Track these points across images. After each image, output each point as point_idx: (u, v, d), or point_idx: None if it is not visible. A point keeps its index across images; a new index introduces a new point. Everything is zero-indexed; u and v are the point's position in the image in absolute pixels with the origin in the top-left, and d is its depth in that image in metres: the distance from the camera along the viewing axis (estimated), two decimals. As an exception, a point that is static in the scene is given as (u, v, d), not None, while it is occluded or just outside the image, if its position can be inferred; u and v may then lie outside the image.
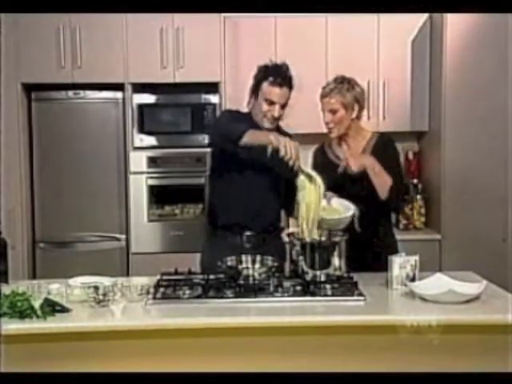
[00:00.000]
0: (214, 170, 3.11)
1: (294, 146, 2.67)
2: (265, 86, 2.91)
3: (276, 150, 2.83)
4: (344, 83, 2.96)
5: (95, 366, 2.29)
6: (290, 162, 2.66)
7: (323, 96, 2.98)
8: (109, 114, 4.49)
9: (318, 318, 2.36)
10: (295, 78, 2.96)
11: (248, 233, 2.96)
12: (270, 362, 2.33)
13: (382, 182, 2.90)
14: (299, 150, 2.67)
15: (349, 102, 2.95)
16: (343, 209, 2.81)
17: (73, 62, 4.37)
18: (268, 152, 3.00)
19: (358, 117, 3.02)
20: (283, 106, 2.94)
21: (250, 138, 2.75)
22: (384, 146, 3.02)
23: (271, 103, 2.91)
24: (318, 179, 2.72)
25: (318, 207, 2.72)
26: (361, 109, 3.00)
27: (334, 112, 2.96)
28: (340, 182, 2.94)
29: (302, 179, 2.72)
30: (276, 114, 2.92)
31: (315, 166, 3.12)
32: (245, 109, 3.08)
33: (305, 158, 3.20)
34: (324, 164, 3.07)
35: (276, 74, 2.91)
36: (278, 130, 3.06)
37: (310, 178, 2.72)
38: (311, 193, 2.71)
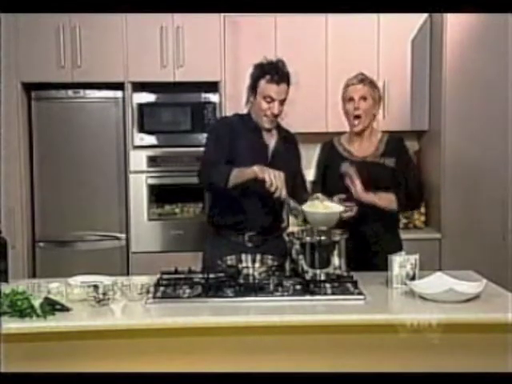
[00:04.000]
0: None
1: (278, 175, 2.69)
2: (262, 83, 2.91)
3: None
4: (371, 78, 3.04)
5: (95, 365, 2.30)
6: (276, 193, 2.69)
7: (353, 84, 3.00)
8: (109, 113, 4.48)
9: (318, 317, 2.37)
10: (292, 74, 2.96)
11: (250, 232, 2.96)
12: (270, 361, 2.33)
13: (388, 203, 2.95)
14: (283, 180, 2.71)
15: (376, 95, 3.02)
16: (331, 206, 2.80)
17: (73, 62, 4.36)
18: (269, 152, 3.00)
19: (375, 115, 3.07)
20: (282, 103, 2.94)
21: (235, 179, 2.79)
22: (396, 147, 3.07)
23: (270, 101, 2.91)
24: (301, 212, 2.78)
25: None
26: (379, 108, 3.08)
27: (364, 99, 2.99)
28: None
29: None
30: (275, 111, 2.92)
31: (321, 159, 3.13)
32: (244, 109, 3.07)
33: (306, 157, 3.23)
34: (332, 156, 3.10)
35: (272, 71, 2.90)
36: (279, 128, 3.06)
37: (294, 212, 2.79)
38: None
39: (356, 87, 2.99)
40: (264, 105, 2.92)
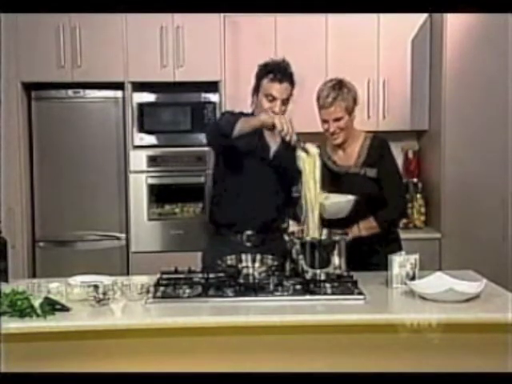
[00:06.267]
0: (216, 169, 3.11)
1: (286, 119, 2.67)
2: (265, 82, 2.90)
3: (278, 150, 2.84)
4: (343, 88, 2.92)
5: (95, 365, 2.29)
6: (287, 137, 2.65)
7: (326, 106, 2.90)
8: (109, 112, 4.49)
9: (318, 317, 2.37)
10: (296, 75, 2.94)
11: (249, 232, 2.96)
12: (270, 361, 2.33)
13: (372, 228, 2.93)
14: (293, 124, 2.67)
15: (350, 105, 2.93)
16: (342, 197, 2.82)
17: (73, 61, 4.36)
18: (271, 153, 3.00)
19: (353, 120, 2.99)
20: (285, 103, 2.92)
21: (242, 125, 2.72)
22: (379, 150, 3.00)
23: (272, 99, 2.89)
24: (313, 150, 2.72)
25: (317, 176, 2.72)
26: (356, 107, 2.98)
27: (338, 120, 2.91)
28: (333, 184, 2.93)
29: (300, 155, 2.72)
30: (277, 110, 2.88)
31: None
32: (246, 109, 3.07)
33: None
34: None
35: (276, 70, 2.90)
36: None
37: (306, 152, 2.72)
38: (310, 164, 2.71)
39: (329, 111, 2.90)
40: (266, 104, 2.90)
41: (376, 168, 2.96)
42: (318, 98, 2.94)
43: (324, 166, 3.03)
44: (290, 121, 2.67)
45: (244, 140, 2.82)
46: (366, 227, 2.92)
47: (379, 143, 3.02)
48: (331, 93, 2.90)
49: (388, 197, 2.96)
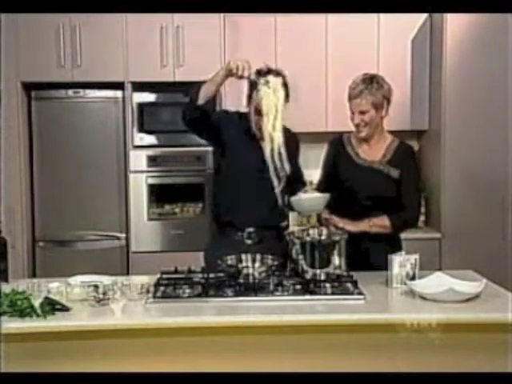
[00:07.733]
0: (217, 168, 3.12)
1: (240, 59, 2.76)
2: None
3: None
4: (373, 83, 2.92)
5: (95, 365, 2.29)
6: (245, 74, 2.73)
7: (353, 97, 2.93)
8: (109, 112, 4.49)
9: (318, 317, 2.37)
10: (291, 75, 2.95)
11: (249, 229, 2.96)
12: (270, 361, 2.33)
13: (383, 227, 2.94)
14: (249, 62, 2.76)
15: (379, 101, 2.92)
16: (317, 193, 2.87)
17: (73, 61, 4.36)
18: (266, 153, 3.00)
19: (382, 117, 3.00)
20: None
21: (206, 87, 2.82)
22: (404, 158, 3.02)
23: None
24: (273, 80, 2.79)
25: (276, 105, 2.79)
26: (388, 105, 2.98)
27: (364, 113, 2.92)
28: (353, 175, 2.97)
29: (260, 89, 2.80)
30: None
31: (330, 156, 3.12)
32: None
33: (306, 157, 3.22)
34: (340, 154, 3.07)
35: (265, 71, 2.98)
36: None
37: (267, 82, 2.79)
38: (269, 95, 2.79)
39: (355, 102, 2.92)
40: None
41: (399, 170, 2.98)
42: (349, 89, 2.97)
43: (348, 156, 3.05)
44: (247, 61, 2.76)
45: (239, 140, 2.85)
46: (377, 224, 2.93)
47: (407, 149, 3.07)
48: (360, 85, 2.92)
49: (404, 203, 2.98)
